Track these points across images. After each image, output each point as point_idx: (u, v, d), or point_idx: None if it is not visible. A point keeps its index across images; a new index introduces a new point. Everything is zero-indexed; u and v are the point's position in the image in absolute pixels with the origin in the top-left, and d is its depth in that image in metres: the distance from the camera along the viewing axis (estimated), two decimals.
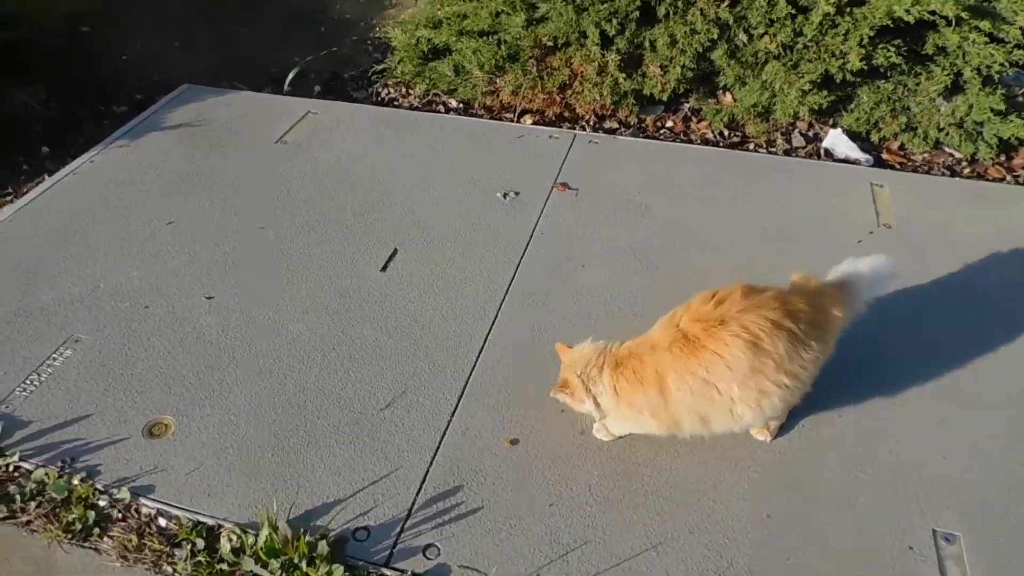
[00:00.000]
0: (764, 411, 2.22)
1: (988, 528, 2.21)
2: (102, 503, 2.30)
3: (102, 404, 2.57)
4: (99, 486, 2.34)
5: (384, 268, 3.08)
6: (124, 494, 2.31)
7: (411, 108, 4.20)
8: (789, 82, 3.71)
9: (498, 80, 4.00)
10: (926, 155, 3.89)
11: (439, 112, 4.17)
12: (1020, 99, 3.83)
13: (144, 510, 2.29)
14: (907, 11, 3.52)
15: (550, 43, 3.85)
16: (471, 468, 2.38)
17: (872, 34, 3.55)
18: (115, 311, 2.92)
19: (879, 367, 2.65)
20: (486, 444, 2.45)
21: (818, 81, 3.72)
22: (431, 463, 2.39)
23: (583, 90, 3.85)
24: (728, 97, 4.00)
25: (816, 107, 3.77)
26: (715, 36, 3.67)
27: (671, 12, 3.69)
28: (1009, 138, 3.77)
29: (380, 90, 4.33)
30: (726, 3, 3.62)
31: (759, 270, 2.99)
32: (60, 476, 2.36)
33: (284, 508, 2.24)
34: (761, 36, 3.68)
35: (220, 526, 2.24)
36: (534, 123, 4.01)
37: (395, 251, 3.17)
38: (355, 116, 4.09)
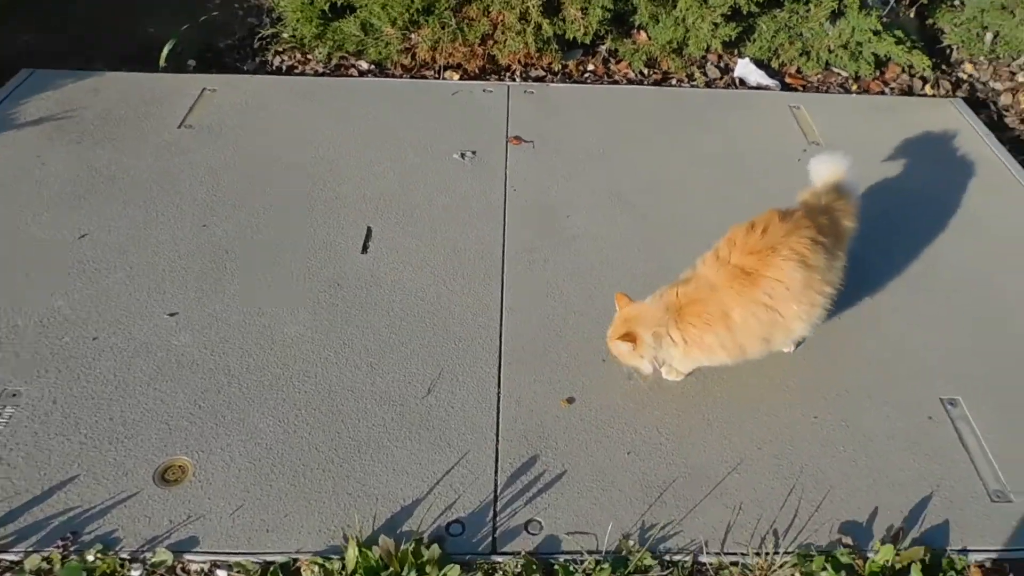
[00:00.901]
0: (813, 321, 2.35)
1: (977, 388, 2.52)
2: (136, 573, 1.93)
3: (86, 461, 2.13)
4: (124, 555, 1.95)
5: (364, 250, 2.84)
6: (164, 555, 1.94)
7: (317, 75, 3.86)
8: (701, 16, 3.81)
9: (413, 36, 3.77)
10: (819, 76, 4.17)
11: (351, 76, 3.87)
12: (886, 20, 4.20)
13: (194, 567, 1.97)
14: None
15: None
16: (538, 435, 2.29)
17: None
18: (53, 350, 2.42)
19: (858, 273, 2.84)
20: (544, 409, 2.36)
21: (728, 14, 3.85)
22: (497, 440, 2.26)
23: (506, 39, 3.73)
24: (643, 36, 4.04)
25: (727, 39, 3.90)
26: None
27: None
28: (884, 54, 4.13)
29: (272, 58, 3.93)
30: None
31: (726, 199, 3.18)
32: (66, 556, 1.94)
33: (362, 522, 2.03)
34: None
35: (295, 561, 1.97)
36: (460, 79, 3.83)
37: (369, 229, 2.93)
38: (262, 89, 3.69)
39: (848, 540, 2.09)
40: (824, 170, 2.58)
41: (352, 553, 1.94)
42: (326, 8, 3.76)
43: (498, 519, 2.08)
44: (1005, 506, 2.20)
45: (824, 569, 2.01)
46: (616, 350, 2.28)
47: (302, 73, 3.87)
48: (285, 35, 3.94)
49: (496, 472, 2.19)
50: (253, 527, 2.03)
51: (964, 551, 2.10)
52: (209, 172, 3.18)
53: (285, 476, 2.14)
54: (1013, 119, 4.16)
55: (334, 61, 3.88)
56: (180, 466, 2.14)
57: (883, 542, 2.07)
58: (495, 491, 2.14)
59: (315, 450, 2.20)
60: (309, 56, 3.93)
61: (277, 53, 3.94)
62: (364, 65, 3.89)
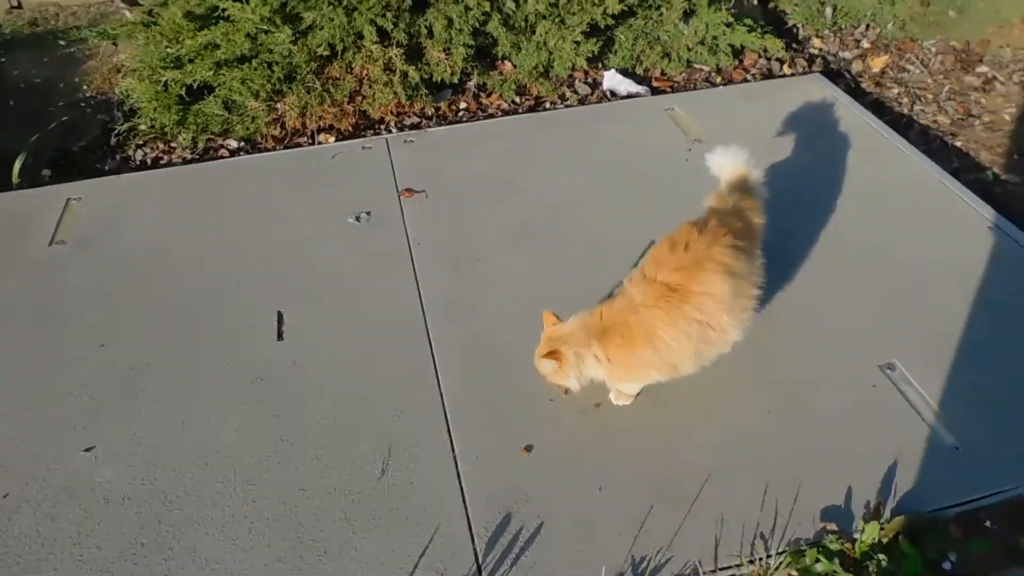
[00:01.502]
0: (745, 326, 2.38)
1: (909, 349, 2.63)
2: None
3: None
4: None
5: (280, 336, 2.70)
6: None
7: (186, 162, 3.66)
8: (562, 37, 3.87)
9: (279, 105, 3.65)
10: (684, 75, 4.31)
11: (223, 157, 3.69)
12: (734, 11, 4.39)
13: None
14: None
15: (326, 52, 3.58)
16: (506, 491, 2.22)
17: None
18: None
19: (773, 258, 2.92)
20: (505, 463, 2.30)
21: (586, 31, 3.92)
22: (465, 507, 2.18)
23: (374, 93, 3.66)
24: (508, 65, 4.06)
25: (590, 54, 3.98)
26: (487, 8, 3.69)
27: None
28: (739, 44, 4.31)
29: (134, 153, 3.70)
30: None
31: (627, 209, 3.24)
32: None
33: None
34: (527, 0, 3.78)
35: None
36: (335, 140, 3.72)
37: (280, 314, 2.78)
38: (130, 188, 3.47)
39: (832, 526, 2.12)
40: (725, 166, 2.62)
41: None
42: (183, 93, 3.59)
43: None
44: (965, 456, 2.29)
45: (818, 561, 2.02)
46: (542, 369, 2.28)
47: (169, 163, 3.67)
48: (143, 127, 3.73)
49: (473, 540, 2.10)
50: None
51: (939, 510, 2.17)
52: (93, 287, 2.94)
53: None
54: (868, 83, 4.43)
55: (201, 145, 3.70)
56: None
57: (865, 520, 2.11)
58: (477, 561, 2.06)
59: (279, 563, 2.05)
60: (173, 144, 3.72)
61: (138, 147, 3.72)
62: (233, 144, 3.73)
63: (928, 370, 2.54)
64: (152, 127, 3.71)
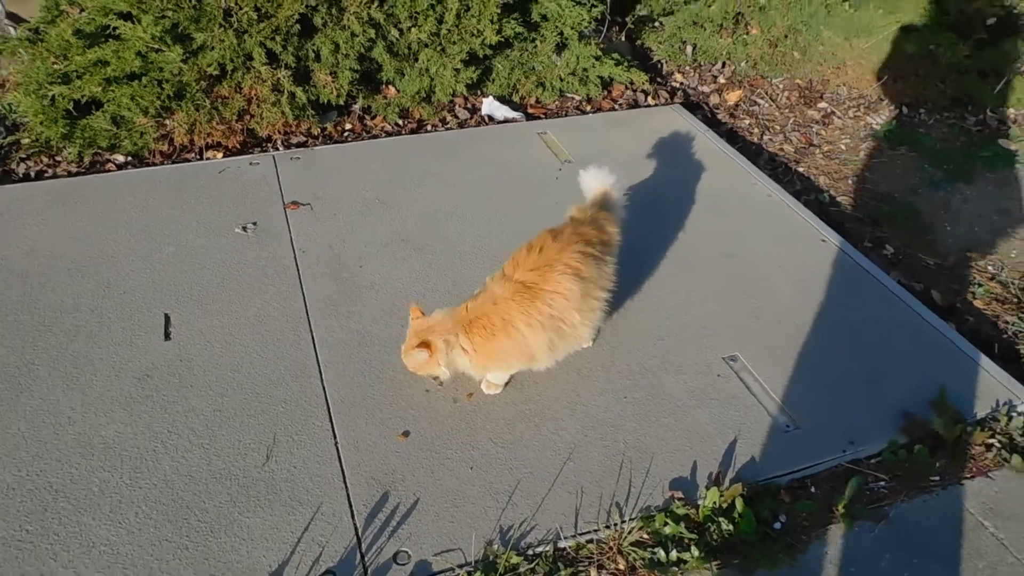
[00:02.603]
0: (595, 323, 2.69)
1: (750, 342, 2.99)
2: None
3: None
4: None
5: (167, 337, 2.80)
6: None
7: (71, 175, 3.69)
8: (443, 64, 4.13)
9: (168, 121, 3.74)
10: (556, 103, 4.66)
11: (109, 171, 3.74)
12: (603, 46, 4.77)
13: None
14: None
15: (216, 72, 3.71)
16: (384, 472, 2.40)
17: (498, 11, 4.11)
18: None
19: (634, 262, 3.25)
20: (383, 447, 2.48)
21: (466, 59, 4.20)
22: (346, 486, 2.35)
23: (262, 112, 3.81)
24: (392, 90, 4.29)
25: (469, 82, 4.25)
26: (372, 36, 3.91)
27: (328, 20, 3.83)
28: (607, 76, 4.69)
29: (16, 167, 3.70)
30: (375, 4, 3.87)
31: (503, 224, 3.49)
32: None
33: None
34: (410, 29, 4.03)
35: None
36: (223, 157, 3.83)
37: (167, 316, 2.88)
38: (14, 199, 3.48)
39: (679, 494, 2.41)
40: (591, 183, 2.92)
41: None
42: (70, 107, 3.63)
43: (367, 558, 2.17)
44: (794, 433, 2.64)
45: (666, 524, 2.30)
46: (413, 362, 2.47)
47: (54, 176, 3.69)
48: (25, 140, 3.75)
49: (353, 516, 2.27)
50: None
51: (772, 478, 2.49)
52: None
53: (141, 575, 2.08)
54: (723, 114, 4.90)
55: (87, 159, 3.74)
56: None
57: (707, 488, 2.40)
58: (357, 534, 2.23)
59: (167, 542, 2.16)
60: (58, 158, 3.75)
61: (21, 160, 3.73)
62: (120, 158, 3.79)
63: (765, 361, 2.90)
64: (36, 141, 3.74)
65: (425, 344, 2.41)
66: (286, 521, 2.24)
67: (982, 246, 3.89)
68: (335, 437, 2.50)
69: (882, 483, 2.52)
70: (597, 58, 4.57)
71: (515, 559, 2.18)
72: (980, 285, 3.55)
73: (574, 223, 2.73)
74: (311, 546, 2.18)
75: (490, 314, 2.47)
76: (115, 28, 3.64)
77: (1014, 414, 2.75)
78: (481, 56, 4.26)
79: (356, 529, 2.24)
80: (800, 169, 4.44)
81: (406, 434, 2.53)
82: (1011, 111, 5.15)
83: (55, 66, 3.66)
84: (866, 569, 2.26)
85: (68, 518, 2.20)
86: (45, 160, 3.76)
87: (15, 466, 2.33)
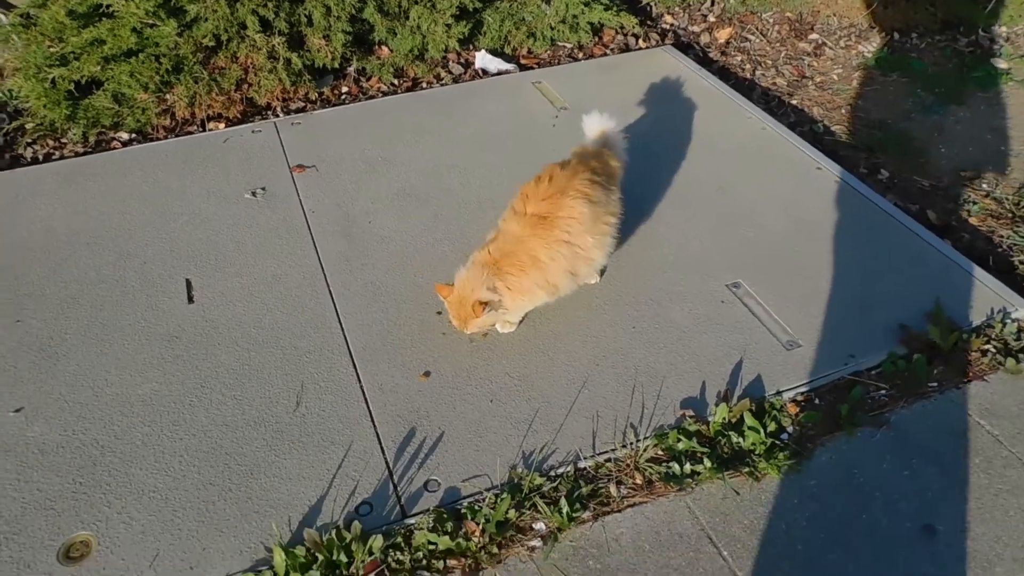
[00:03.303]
0: (606, 249, 2.79)
1: (751, 270, 3.08)
2: None
3: None
4: None
5: (190, 300, 2.91)
6: None
7: (78, 156, 3.77)
8: (434, 20, 4.18)
9: (168, 96, 3.81)
10: (549, 52, 4.71)
11: (115, 149, 3.81)
12: None
13: None
14: None
15: (211, 43, 3.77)
16: (409, 411, 2.53)
17: None
18: None
19: (634, 202, 3.33)
20: (406, 388, 2.61)
21: (456, 14, 4.24)
22: (374, 425, 2.48)
23: (260, 80, 3.87)
24: (385, 50, 4.34)
25: (461, 36, 4.30)
26: None
27: None
28: (597, 22, 4.73)
29: (24, 151, 3.78)
30: None
31: (503, 174, 3.59)
32: None
33: (280, 531, 2.17)
34: None
35: None
36: (225, 127, 3.91)
37: (188, 281, 2.99)
38: (26, 181, 3.56)
39: (690, 413, 2.54)
40: (591, 125, 3.02)
41: (279, 558, 2.08)
42: (71, 88, 3.71)
43: (399, 488, 2.30)
44: (798, 351, 2.76)
45: (679, 440, 2.43)
46: (476, 325, 2.58)
47: (61, 158, 3.77)
48: (30, 125, 3.83)
49: (383, 451, 2.40)
50: (175, 568, 2.11)
51: (778, 393, 2.62)
52: (3, 271, 3.06)
53: (190, 516, 2.22)
54: (715, 53, 4.94)
55: (92, 139, 3.82)
56: (82, 541, 2.16)
57: (717, 405, 2.53)
58: (388, 467, 2.36)
59: (211, 485, 2.30)
60: (63, 140, 3.83)
61: (28, 144, 3.81)
62: (124, 136, 3.86)
63: (766, 287, 3.00)
64: (40, 124, 3.81)
65: (481, 304, 2.51)
66: (320, 460, 2.37)
67: (976, 165, 3.97)
68: (360, 382, 2.62)
69: (882, 392, 2.64)
70: (586, 4, 4.61)
71: (538, 480, 2.31)
72: (975, 203, 3.64)
73: (578, 156, 2.83)
74: (346, 480, 2.32)
75: (516, 251, 2.58)
76: (108, 6, 3.70)
77: (1008, 320, 2.87)
78: (471, 9, 4.30)
79: (387, 463, 2.37)
80: (793, 102, 4.50)
81: (427, 374, 2.66)
82: (1003, 29, 5.19)
83: (51, 49, 3.72)
84: (868, 471, 2.39)
85: (117, 470, 2.34)
86: (51, 143, 3.84)
87: (60, 427, 2.46)
